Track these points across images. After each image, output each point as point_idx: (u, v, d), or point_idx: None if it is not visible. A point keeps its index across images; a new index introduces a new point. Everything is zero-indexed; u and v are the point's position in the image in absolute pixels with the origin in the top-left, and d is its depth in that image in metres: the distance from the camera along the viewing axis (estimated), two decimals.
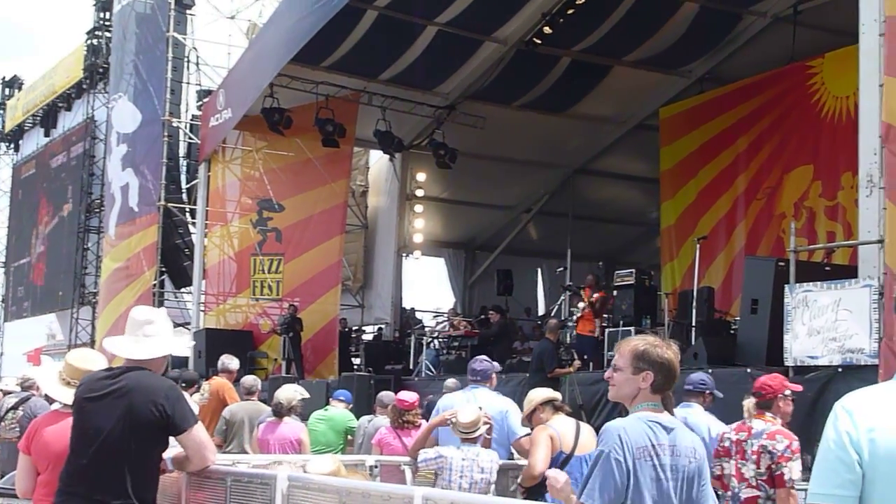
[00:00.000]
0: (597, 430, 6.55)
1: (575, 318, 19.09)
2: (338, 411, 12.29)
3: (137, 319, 5.59)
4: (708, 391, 9.20)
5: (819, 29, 20.87)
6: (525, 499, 7.69)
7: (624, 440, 4.32)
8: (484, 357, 9.51)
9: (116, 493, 5.19)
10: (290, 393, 10.69)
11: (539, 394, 8.03)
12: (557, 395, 8.17)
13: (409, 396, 10.37)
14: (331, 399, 12.69)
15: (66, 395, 5.82)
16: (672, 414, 4.60)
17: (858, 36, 12.05)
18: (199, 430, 5.53)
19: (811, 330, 11.99)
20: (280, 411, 10.43)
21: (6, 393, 12.10)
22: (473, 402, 8.58)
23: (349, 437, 12.06)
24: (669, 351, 4.51)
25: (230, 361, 13.63)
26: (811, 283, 12.23)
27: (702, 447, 4.62)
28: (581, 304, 18.92)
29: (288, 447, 10.08)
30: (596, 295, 18.76)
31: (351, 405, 12.84)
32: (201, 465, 5.62)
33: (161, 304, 25.85)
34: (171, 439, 5.52)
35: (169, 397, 5.33)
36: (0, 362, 42.17)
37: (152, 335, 5.53)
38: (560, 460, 7.52)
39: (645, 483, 4.32)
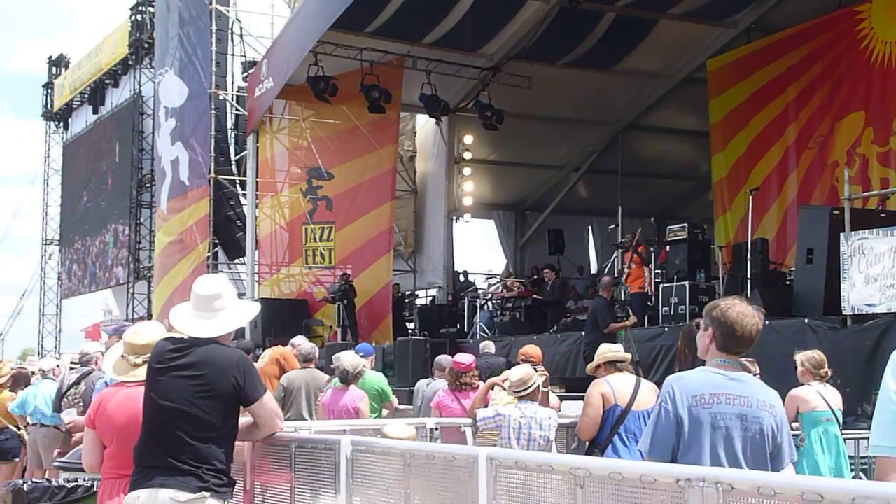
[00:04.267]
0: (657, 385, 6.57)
1: (624, 277, 19.06)
2: (370, 374, 11.66)
3: (203, 295, 5.49)
4: None
5: None
6: (587, 450, 7.73)
7: (676, 390, 4.43)
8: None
9: (195, 466, 5.16)
10: (355, 359, 10.59)
11: (607, 349, 8.04)
12: (626, 357, 8.10)
13: (465, 359, 10.43)
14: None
15: (124, 376, 5.83)
16: None
17: None
18: (269, 399, 5.53)
19: (868, 277, 11.88)
20: (347, 378, 10.30)
21: (71, 367, 12.18)
22: None
23: (385, 402, 11.58)
24: (734, 311, 4.49)
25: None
26: (867, 231, 12.10)
27: (780, 403, 4.58)
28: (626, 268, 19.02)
29: (344, 414, 9.95)
30: (641, 247, 18.86)
31: (373, 356, 12.62)
32: (270, 433, 5.59)
33: None
34: None
35: (240, 368, 5.32)
36: (59, 339, 42.83)
37: (221, 309, 5.48)
38: (616, 414, 7.53)
39: (702, 431, 4.36)
